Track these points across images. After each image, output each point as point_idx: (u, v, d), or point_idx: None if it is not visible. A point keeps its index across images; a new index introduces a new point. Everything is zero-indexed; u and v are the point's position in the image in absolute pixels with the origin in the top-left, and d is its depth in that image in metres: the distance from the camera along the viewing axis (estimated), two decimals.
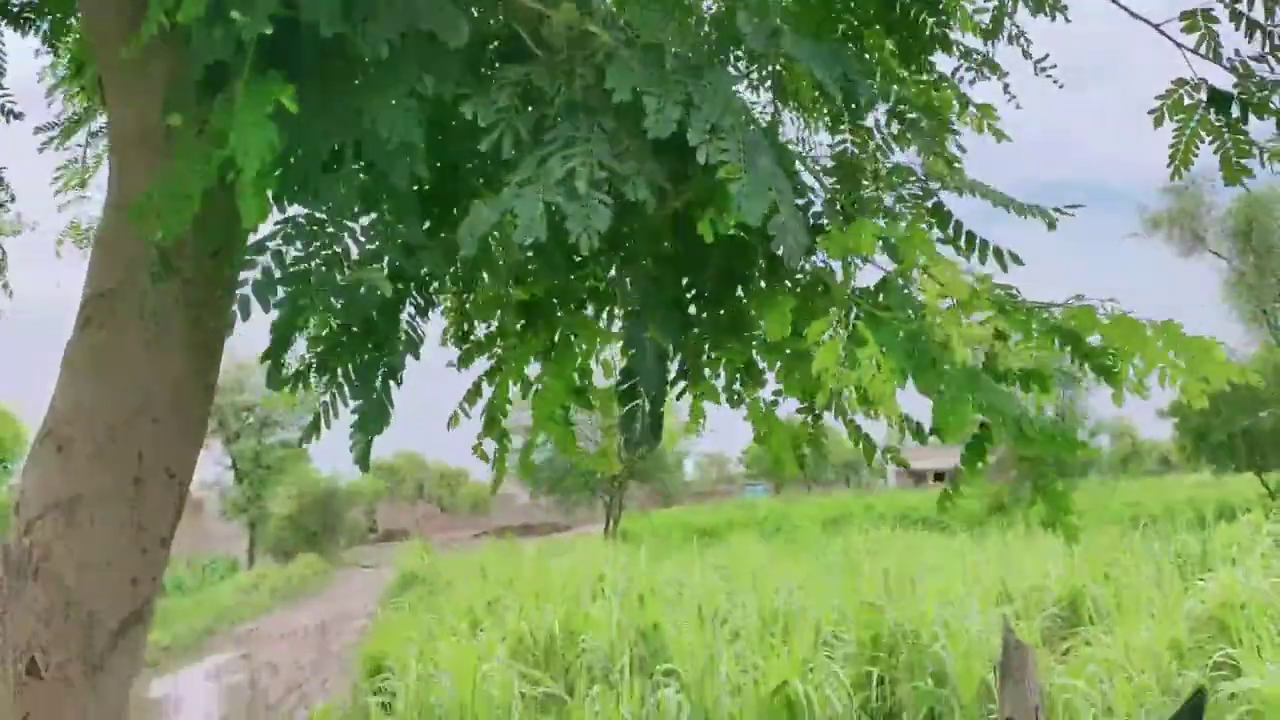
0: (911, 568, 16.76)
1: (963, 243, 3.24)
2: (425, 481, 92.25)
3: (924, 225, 3.18)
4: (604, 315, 3.35)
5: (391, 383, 2.68)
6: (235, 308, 2.20)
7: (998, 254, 3.18)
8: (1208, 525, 18.95)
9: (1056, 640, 12.88)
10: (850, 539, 26.67)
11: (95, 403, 2.24)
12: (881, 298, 2.88)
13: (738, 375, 3.23)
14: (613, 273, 3.07)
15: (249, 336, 2.58)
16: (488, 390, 3.51)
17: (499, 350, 3.46)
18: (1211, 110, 2.98)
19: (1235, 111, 2.94)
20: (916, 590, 12.96)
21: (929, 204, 3.41)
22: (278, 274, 2.30)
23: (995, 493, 41.08)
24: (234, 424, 40.16)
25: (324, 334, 2.68)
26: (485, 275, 3.16)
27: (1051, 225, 3.14)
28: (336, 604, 27.04)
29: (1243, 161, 3.03)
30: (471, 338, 3.46)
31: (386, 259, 2.51)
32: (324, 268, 2.39)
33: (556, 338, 3.32)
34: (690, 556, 23.57)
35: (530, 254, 2.93)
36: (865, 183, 3.38)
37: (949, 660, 10.85)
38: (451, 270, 3.09)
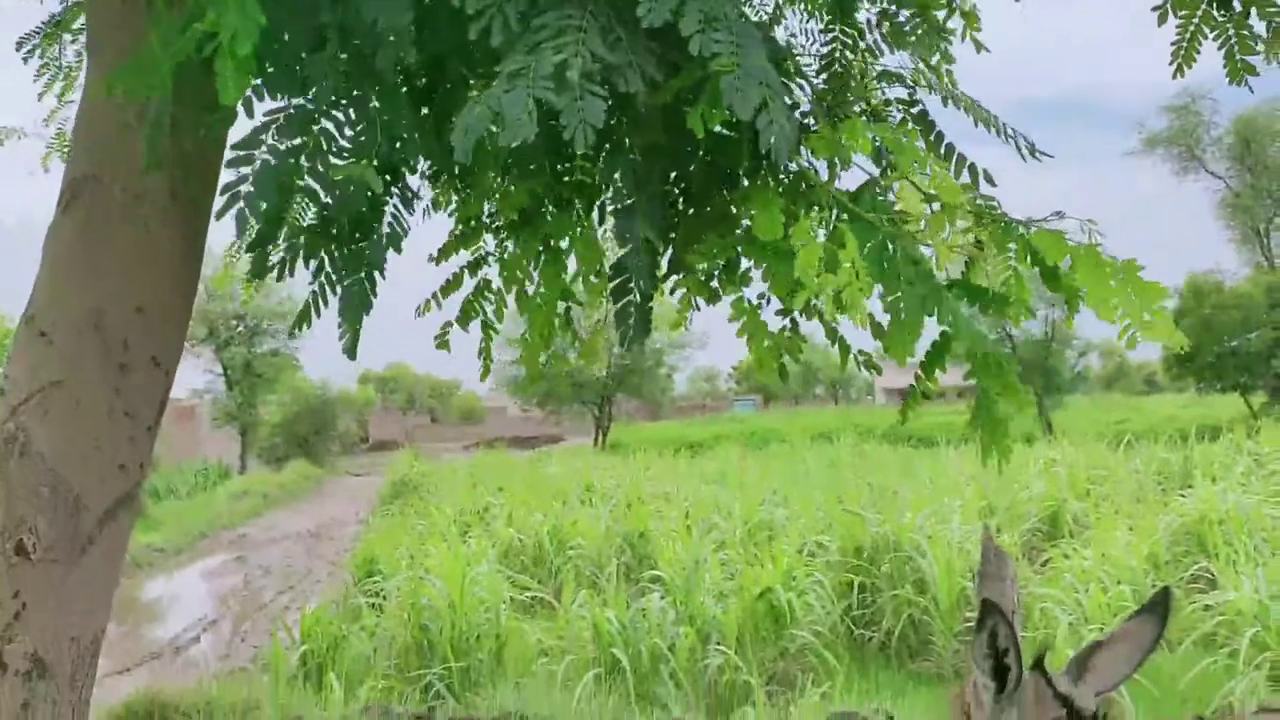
0: (895, 481, 17.06)
1: (943, 153, 3.22)
2: (416, 393, 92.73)
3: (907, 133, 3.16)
4: (594, 212, 3.33)
5: (377, 273, 2.67)
6: (233, 217, 2.17)
7: (973, 170, 3.18)
8: (1190, 443, 19.16)
9: (1035, 552, 13.13)
10: (836, 453, 26.97)
11: (78, 288, 2.22)
12: (863, 200, 2.88)
13: (718, 273, 3.22)
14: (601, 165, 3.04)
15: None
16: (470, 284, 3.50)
17: (484, 245, 3.44)
18: (1214, 6, 2.93)
19: (1237, 6, 2.89)
20: (899, 502, 13.17)
21: (914, 111, 3.38)
22: (270, 160, 2.27)
23: None
24: (224, 332, 40.08)
25: (309, 225, 2.65)
26: (478, 172, 3.13)
27: (1032, 152, 3.13)
28: (328, 510, 27.36)
29: (1246, 59, 2.99)
30: (454, 232, 3.43)
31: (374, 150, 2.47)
32: (312, 159, 2.36)
33: (550, 241, 3.31)
34: (678, 467, 23.89)
35: (518, 155, 2.90)
36: (853, 83, 3.34)
37: (929, 569, 11.06)
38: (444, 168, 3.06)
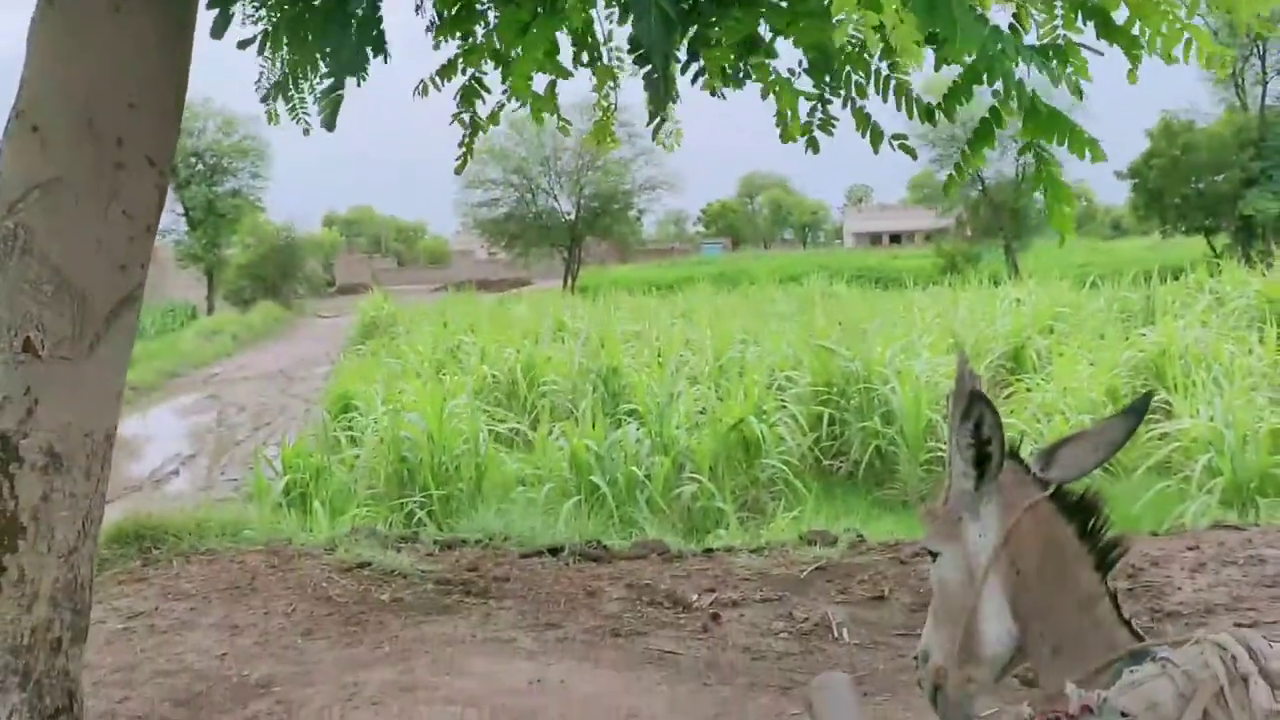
0: (864, 318, 17.24)
1: None
2: (382, 236, 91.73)
3: None
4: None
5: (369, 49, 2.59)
6: None
7: None
8: (1153, 283, 19.44)
9: (1000, 386, 13.44)
10: (805, 293, 27.14)
11: (67, 83, 2.15)
12: None
13: (740, 53, 3.14)
14: None
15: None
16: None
17: (477, 32, 3.34)
18: None
19: None
20: (868, 338, 13.36)
21: None
22: None
23: (949, 252, 41.75)
24: (184, 170, 39.10)
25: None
26: None
27: None
28: (298, 350, 27.37)
29: None
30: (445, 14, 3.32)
31: None
32: None
33: (539, 8, 3.18)
34: (648, 307, 23.99)
35: None
36: None
37: (897, 402, 11.34)
38: None
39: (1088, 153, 2.55)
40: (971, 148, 2.97)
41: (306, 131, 4.64)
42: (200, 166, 39.30)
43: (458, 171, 4.03)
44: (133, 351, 2.45)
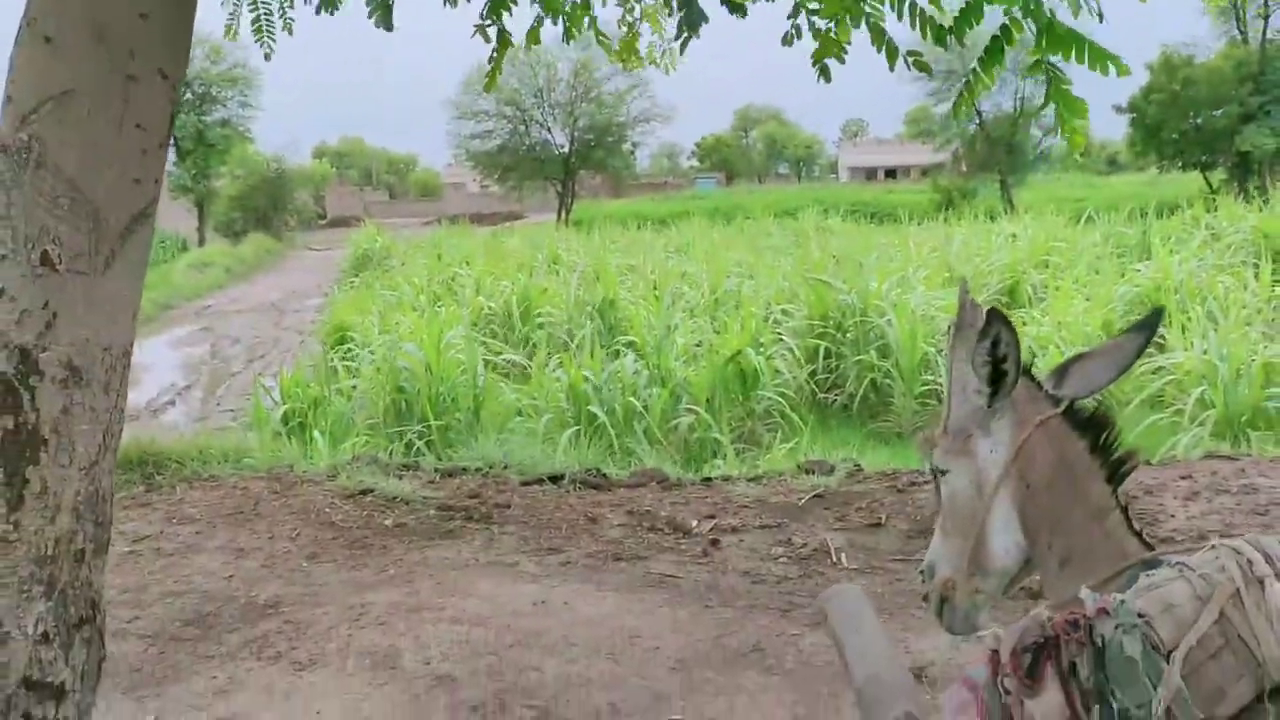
0: (860, 252, 17.20)
1: None
2: (373, 168, 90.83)
3: None
4: None
5: None
6: None
7: None
8: (1148, 218, 19.42)
9: None
10: (801, 227, 27.04)
11: None
12: None
13: None
14: None
15: None
16: None
17: None
18: None
19: None
20: (864, 272, 13.35)
21: None
22: None
23: (945, 187, 41.55)
24: None
25: None
26: None
27: None
28: (290, 282, 27.26)
29: None
30: None
31: None
32: None
33: None
34: (643, 241, 23.90)
35: None
36: None
37: (893, 335, 11.37)
38: None
39: (1111, 67, 2.53)
40: (982, 65, 2.94)
41: (268, 56, 4.57)
42: (189, 95, 38.66)
43: (487, 89, 3.99)
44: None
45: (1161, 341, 10.75)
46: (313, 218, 51.65)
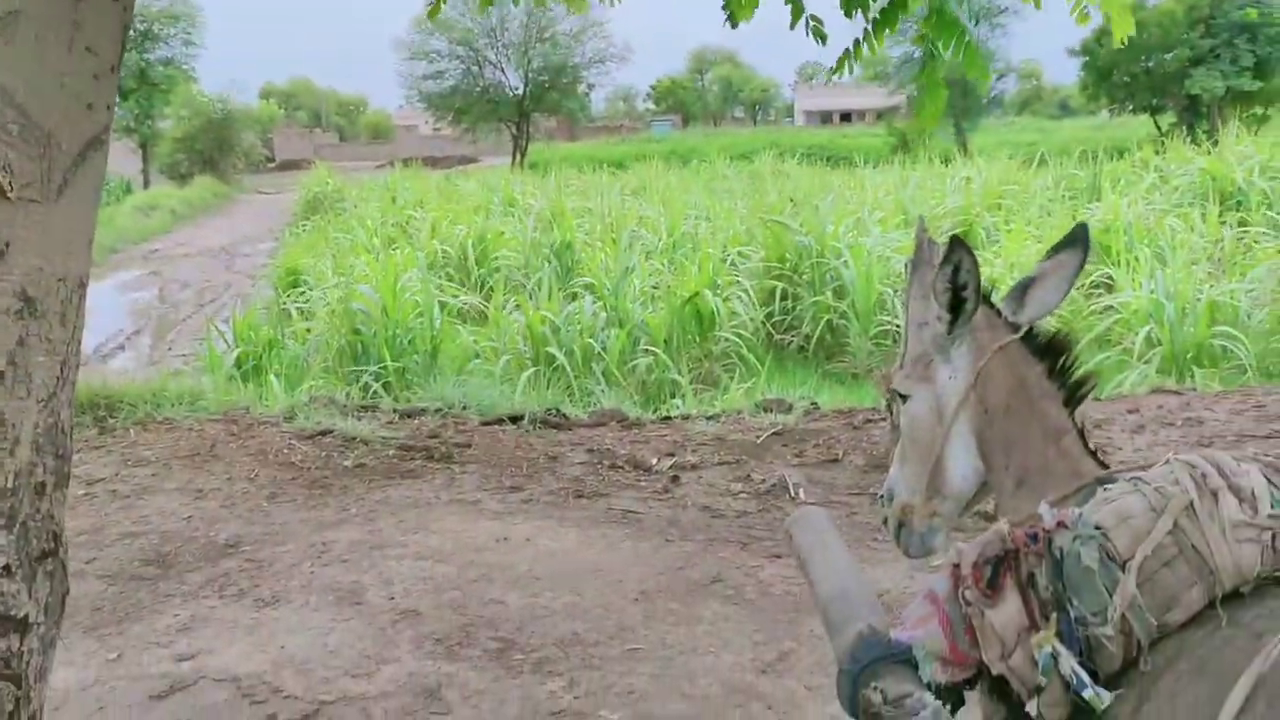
0: (816, 195, 17.22)
1: None
2: (322, 109, 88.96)
3: None
4: None
5: None
6: None
7: None
8: (1099, 161, 19.59)
9: None
10: (756, 170, 26.97)
11: None
12: None
13: None
14: None
15: None
16: None
17: None
18: None
19: None
20: (820, 214, 13.38)
21: None
22: None
23: (900, 131, 41.60)
24: None
25: None
26: None
27: None
28: (240, 226, 26.79)
29: None
30: None
31: None
32: None
33: None
34: (600, 183, 23.73)
35: None
36: None
37: (849, 276, 11.44)
38: None
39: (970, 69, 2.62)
40: (875, 28, 2.99)
41: None
42: (130, 32, 37.46)
43: (431, 16, 3.91)
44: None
45: (1110, 281, 10.94)
46: (261, 160, 50.56)
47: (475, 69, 45.10)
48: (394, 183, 25.20)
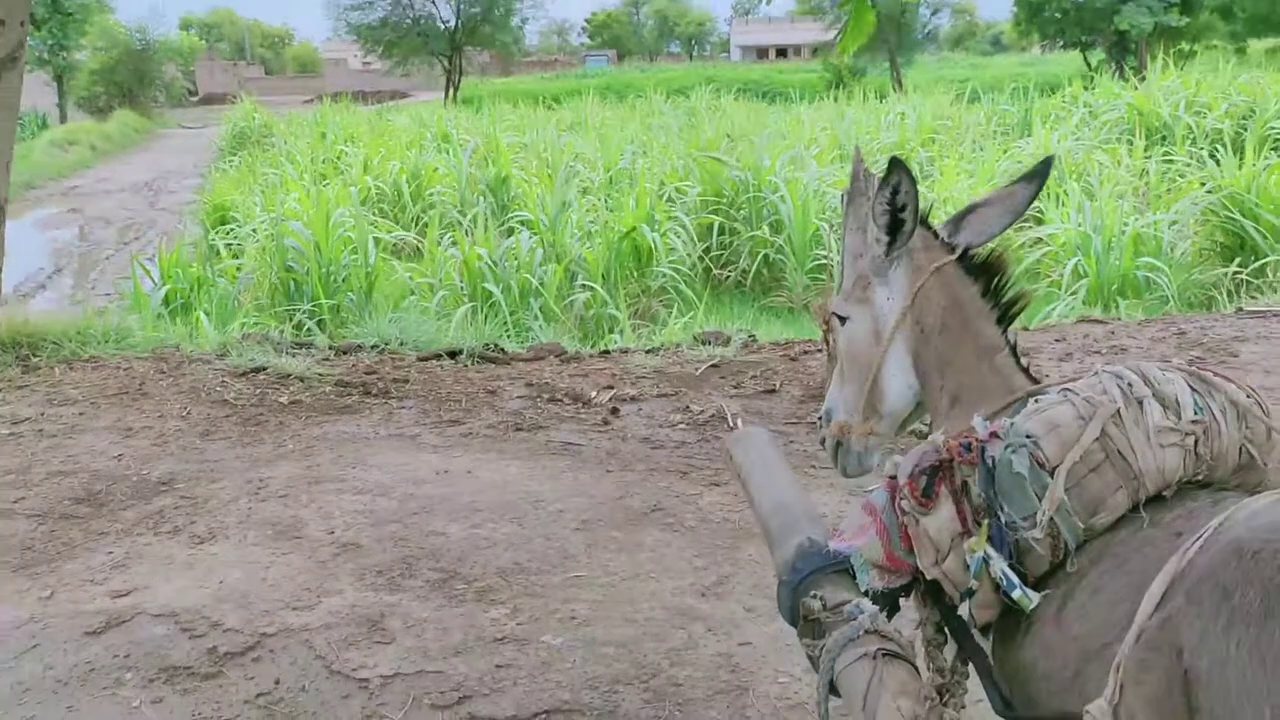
0: (752, 130, 17.18)
1: None
2: (245, 41, 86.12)
3: None
4: None
5: None
6: None
7: None
8: (1030, 96, 19.81)
9: None
10: (693, 105, 26.80)
11: None
12: None
13: None
14: None
15: None
16: None
17: None
18: None
19: None
20: (756, 150, 13.37)
21: None
22: None
23: (835, 67, 41.56)
24: None
25: None
26: None
27: None
28: (163, 162, 26.00)
29: None
30: None
31: None
32: None
33: None
34: (535, 119, 23.39)
35: None
36: None
37: (786, 211, 11.49)
38: None
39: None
40: None
41: None
42: None
43: None
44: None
45: (1040, 215, 11.12)
46: (183, 94, 48.98)
47: (405, 0, 43.93)
48: (324, 117, 24.58)
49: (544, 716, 2.93)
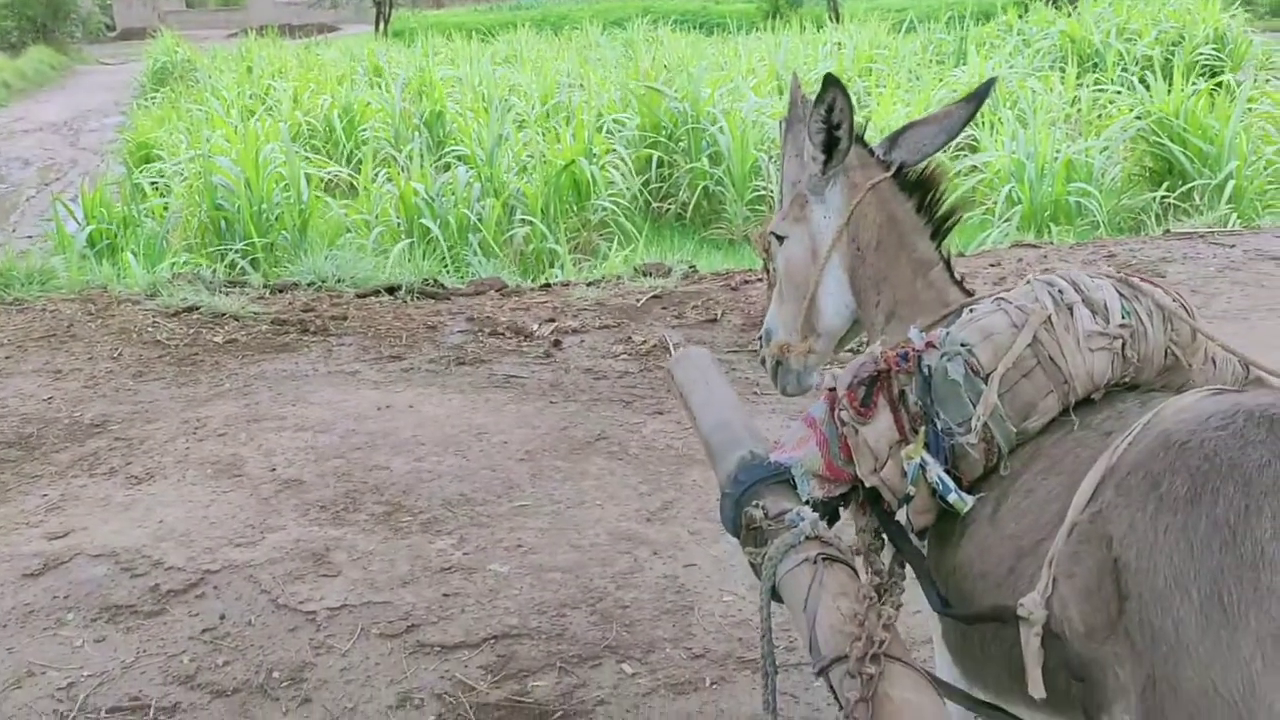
0: (690, 62, 17.00)
1: None
2: None
3: None
4: None
5: None
6: None
7: None
8: (965, 25, 19.83)
9: None
10: (630, 36, 26.42)
11: None
12: None
13: None
14: None
15: None
16: None
17: None
18: None
19: None
20: (695, 81, 13.24)
21: None
22: None
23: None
24: None
25: None
26: None
27: None
28: (82, 100, 25.03)
29: None
30: None
31: None
32: None
33: None
34: (469, 52, 22.90)
35: None
36: None
37: (725, 142, 11.42)
38: None
39: None
40: None
41: None
42: None
43: None
44: None
45: (975, 143, 11.20)
46: (100, 29, 47.08)
47: None
48: (249, 51, 23.80)
49: (493, 641, 2.96)
